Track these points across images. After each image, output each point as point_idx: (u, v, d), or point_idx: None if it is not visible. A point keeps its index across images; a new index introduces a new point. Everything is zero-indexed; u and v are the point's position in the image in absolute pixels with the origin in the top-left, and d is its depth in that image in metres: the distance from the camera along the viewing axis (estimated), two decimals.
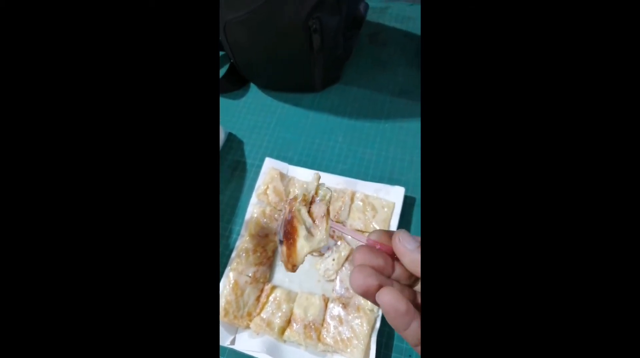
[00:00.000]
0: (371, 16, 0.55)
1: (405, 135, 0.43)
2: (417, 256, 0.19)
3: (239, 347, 0.31)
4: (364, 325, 0.30)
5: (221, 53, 0.53)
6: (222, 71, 0.50)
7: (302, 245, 0.20)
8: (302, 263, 0.20)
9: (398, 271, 0.20)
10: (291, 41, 0.36)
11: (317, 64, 0.41)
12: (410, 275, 0.20)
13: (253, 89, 0.49)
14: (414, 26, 0.54)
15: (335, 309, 0.32)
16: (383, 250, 0.20)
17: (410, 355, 0.31)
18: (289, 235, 0.20)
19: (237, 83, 0.48)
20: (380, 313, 0.31)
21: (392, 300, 0.18)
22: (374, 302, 0.19)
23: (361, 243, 0.21)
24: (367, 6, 0.42)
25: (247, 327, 0.32)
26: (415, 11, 0.56)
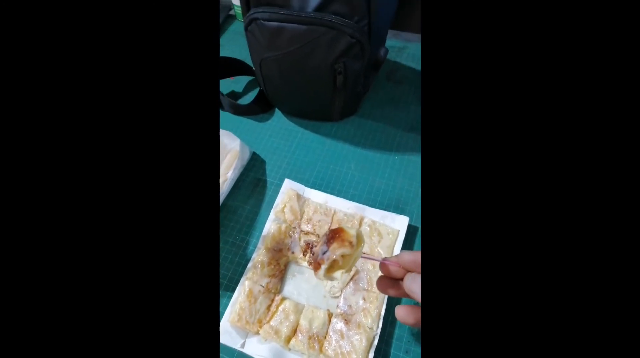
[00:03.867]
0: (390, 55, 0.60)
1: (413, 168, 0.47)
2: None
3: (248, 350, 0.34)
4: (363, 341, 0.33)
5: (251, 78, 0.59)
6: (252, 95, 0.55)
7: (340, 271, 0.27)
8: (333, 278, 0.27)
9: None
10: (317, 80, 0.41)
11: (337, 99, 0.45)
12: None
13: (278, 114, 0.54)
14: None
15: (338, 324, 0.35)
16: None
17: None
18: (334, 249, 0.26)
19: (264, 107, 0.53)
20: (378, 331, 0.34)
21: (403, 315, 0.26)
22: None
23: (379, 260, 0.28)
24: (387, 51, 0.47)
25: (257, 332, 0.35)
26: None
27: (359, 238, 0.27)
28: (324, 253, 0.26)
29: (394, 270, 0.27)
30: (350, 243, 0.26)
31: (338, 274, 0.27)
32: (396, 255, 0.27)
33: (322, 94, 0.44)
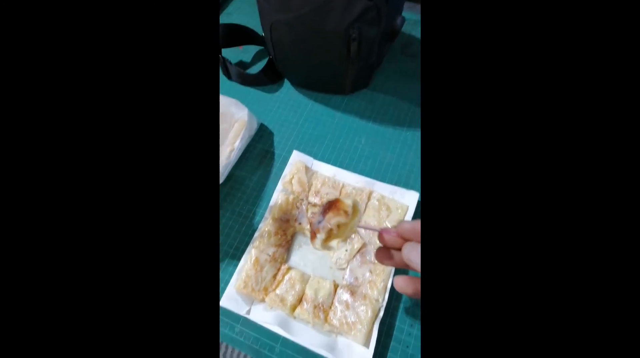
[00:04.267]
0: (405, 28, 0.57)
1: None
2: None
3: (254, 317, 0.35)
4: (369, 312, 0.33)
5: (260, 48, 0.57)
6: (261, 65, 0.53)
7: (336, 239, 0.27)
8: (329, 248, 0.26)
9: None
10: (330, 46, 0.39)
11: (350, 70, 0.44)
12: None
13: (287, 85, 0.52)
14: None
15: (344, 295, 0.35)
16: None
17: (408, 346, 0.34)
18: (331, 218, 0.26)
19: (273, 78, 0.52)
20: (384, 303, 0.34)
21: (402, 285, 0.26)
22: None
23: (378, 230, 0.28)
24: (403, 20, 0.45)
25: (263, 300, 0.35)
26: None
27: (355, 207, 0.27)
28: (319, 222, 0.26)
29: (393, 239, 0.27)
30: (346, 212, 0.26)
31: (334, 243, 0.26)
32: (394, 226, 0.27)
33: (335, 62, 0.42)
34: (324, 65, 0.43)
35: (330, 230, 0.26)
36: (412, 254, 0.24)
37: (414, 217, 0.38)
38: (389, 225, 0.38)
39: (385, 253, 0.28)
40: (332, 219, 0.26)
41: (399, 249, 0.26)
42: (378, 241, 0.37)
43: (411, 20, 0.58)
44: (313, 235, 0.27)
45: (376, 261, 0.36)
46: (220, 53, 0.52)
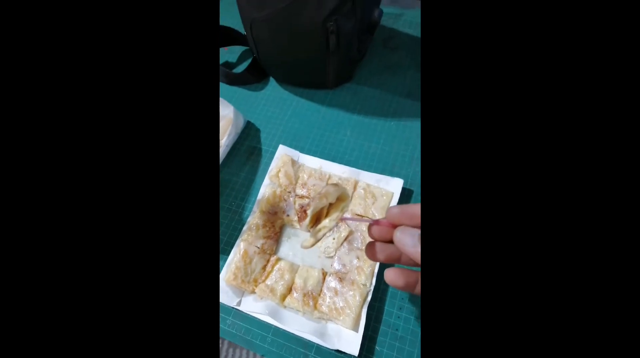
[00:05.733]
0: (387, 22, 0.58)
1: (409, 133, 0.46)
2: (415, 250, 0.23)
3: (244, 308, 0.35)
4: (357, 296, 0.34)
5: (245, 48, 0.58)
6: (245, 65, 0.54)
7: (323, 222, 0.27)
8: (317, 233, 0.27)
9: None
10: (309, 41, 0.40)
11: (331, 64, 0.44)
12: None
13: (272, 82, 0.53)
14: None
15: (332, 282, 0.35)
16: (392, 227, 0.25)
17: (397, 329, 0.34)
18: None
19: (258, 76, 0.53)
20: (372, 288, 0.35)
21: (392, 277, 0.25)
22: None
23: (369, 222, 0.27)
24: (381, 12, 0.46)
25: (253, 291, 0.36)
26: None
27: (342, 196, 0.27)
28: (307, 204, 0.27)
29: (384, 231, 0.26)
30: (330, 203, 0.27)
31: (325, 223, 0.27)
32: (383, 217, 0.27)
33: (316, 56, 0.43)
34: (306, 60, 0.44)
35: (317, 215, 0.27)
36: (404, 237, 0.24)
37: (399, 203, 0.39)
38: (376, 213, 0.39)
39: (375, 247, 0.27)
40: (320, 203, 0.26)
41: (390, 241, 0.26)
42: (364, 228, 0.37)
43: (392, 15, 0.60)
44: (303, 216, 0.27)
45: (363, 248, 0.37)
46: None
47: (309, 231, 0.27)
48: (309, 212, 0.26)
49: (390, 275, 0.26)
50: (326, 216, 0.28)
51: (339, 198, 0.28)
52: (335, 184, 0.28)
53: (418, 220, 0.24)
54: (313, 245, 0.27)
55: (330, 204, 0.28)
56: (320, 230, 0.27)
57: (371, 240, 0.28)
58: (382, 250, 0.27)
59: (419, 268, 0.25)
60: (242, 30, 0.52)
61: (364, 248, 0.37)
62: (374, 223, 0.27)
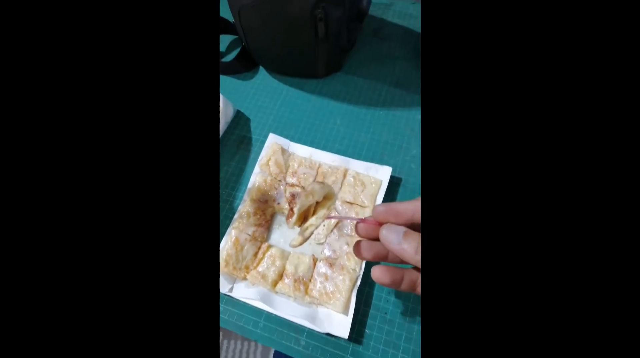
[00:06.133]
0: (376, 12, 0.59)
1: (398, 122, 0.47)
2: (400, 247, 0.23)
3: (236, 294, 0.36)
4: (347, 281, 0.35)
5: (234, 37, 0.57)
6: (234, 54, 0.54)
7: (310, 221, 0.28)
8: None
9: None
10: (298, 29, 0.40)
11: (321, 52, 0.44)
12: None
13: (262, 71, 0.53)
14: (415, 23, 0.57)
15: (323, 268, 0.36)
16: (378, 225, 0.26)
17: (386, 313, 0.35)
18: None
19: (247, 65, 0.52)
20: (361, 273, 0.35)
21: (379, 275, 0.26)
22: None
23: (356, 220, 0.28)
24: (369, 1, 0.46)
25: (244, 278, 0.36)
26: (417, 9, 0.59)
27: (328, 195, 0.28)
28: (296, 194, 0.27)
29: (371, 228, 0.26)
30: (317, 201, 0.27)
31: (312, 221, 0.27)
32: (370, 216, 0.27)
33: (304, 44, 0.43)
34: (295, 48, 0.44)
35: (305, 213, 0.27)
36: (389, 235, 0.24)
37: (387, 190, 0.40)
38: (365, 200, 0.39)
39: (362, 246, 0.27)
40: (306, 201, 0.27)
41: (376, 239, 0.26)
42: (356, 216, 0.38)
43: (382, 5, 0.60)
44: (290, 214, 0.27)
45: (353, 234, 0.37)
46: None
47: (296, 228, 0.27)
48: (295, 210, 0.26)
49: (377, 273, 0.26)
50: (313, 214, 0.28)
51: (326, 197, 0.28)
52: (322, 183, 0.28)
53: (403, 218, 0.25)
54: (301, 243, 0.28)
55: (317, 203, 0.28)
56: (307, 228, 0.27)
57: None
58: (368, 248, 0.27)
59: (405, 266, 0.25)
60: (231, 19, 0.51)
61: (353, 234, 0.37)
62: (360, 221, 0.27)
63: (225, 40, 0.57)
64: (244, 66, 0.52)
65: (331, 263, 0.36)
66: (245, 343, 0.83)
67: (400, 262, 0.26)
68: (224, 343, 0.83)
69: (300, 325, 0.34)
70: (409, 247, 0.23)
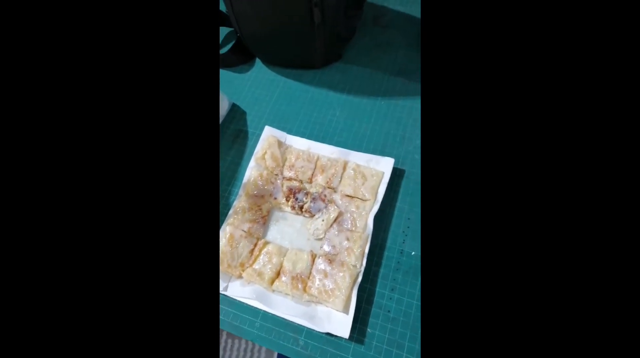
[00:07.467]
0: (377, 0, 0.56)
1: (400, 112, 0.45)
2: None
3: (231, 293, 0.34)
4: (347, 278, 0.33)
5: (229, 29, 0.56)
6: (229, 46, 0.52)
7: None
8: None
9: None
10: (293, 14, 0.38)
11: (318, 40, 0.43)
12: None
13: (258, 63, 0.51)
14: (416, 10, 0.55)
15: (322, 264, 0.34)
16: None
17: (389, 311, 0.33)
18: None
19: (242, 58, 0.51)
20: (362, 269, 0.34)
21: None
22: None
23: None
24: None
25: (240, 276, 0.35)
26: None
27: None
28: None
29: None
30: None
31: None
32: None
33: (301, 33, 0.41)
34: (290, 36, 0.42)
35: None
36: None
37: (390, 182, 0.38)
38: (366, 193, 0.37)
39: None
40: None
41: None
42: (356, 210, 0.36)
43: None
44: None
45: (353, 229, 0.36)
46: None
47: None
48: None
49: None
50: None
51: None
52: None
53: None
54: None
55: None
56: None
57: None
58: None
59: None
60: (223, 8, 0.49)
61: (353, 228, 0.36)
62: None
63: (220, 33, 0.56)
64: (239, 58, 0.51)
65: (330, 259, 0.34)
66: (250, 342, 0.82)
67: None
68: (228, 343, 0.82)
69: (298, 324, 0.33)
70: None
